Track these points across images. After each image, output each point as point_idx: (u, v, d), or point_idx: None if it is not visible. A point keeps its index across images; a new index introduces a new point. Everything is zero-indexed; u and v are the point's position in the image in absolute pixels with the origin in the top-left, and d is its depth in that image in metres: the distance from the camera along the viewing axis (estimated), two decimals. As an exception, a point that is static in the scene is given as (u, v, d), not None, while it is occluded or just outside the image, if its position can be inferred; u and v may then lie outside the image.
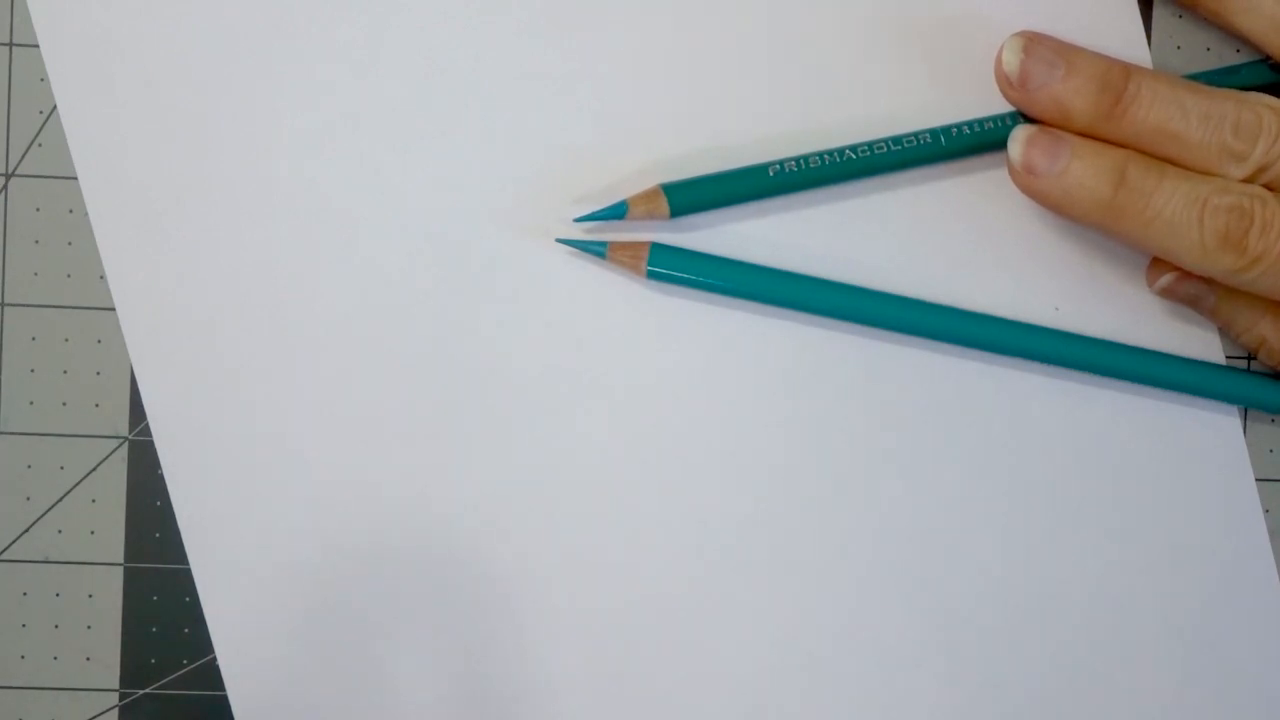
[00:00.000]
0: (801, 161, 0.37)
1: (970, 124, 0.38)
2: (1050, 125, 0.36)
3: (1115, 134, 0.36)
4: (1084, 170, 0.35)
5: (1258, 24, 0.37)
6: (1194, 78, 0.37)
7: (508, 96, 0.38)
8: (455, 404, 0.38)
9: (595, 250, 0.38)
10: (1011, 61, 0.36)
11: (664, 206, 0.37)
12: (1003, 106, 0.38)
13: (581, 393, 0.39)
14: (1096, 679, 0.39)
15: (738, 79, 0.39)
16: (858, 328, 0.38)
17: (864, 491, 0.39)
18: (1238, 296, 0.37)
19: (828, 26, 0.39)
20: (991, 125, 0.38)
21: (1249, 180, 0.35)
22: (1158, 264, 0.37)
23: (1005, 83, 0.37)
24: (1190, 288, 0.37)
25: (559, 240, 0.38)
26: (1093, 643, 0.39)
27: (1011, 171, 0.36)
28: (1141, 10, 0.39)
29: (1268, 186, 0.35)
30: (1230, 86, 0.37)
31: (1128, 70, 0.36)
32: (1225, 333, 0.38)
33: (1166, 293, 0.37)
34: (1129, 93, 0.35)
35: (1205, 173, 0.35)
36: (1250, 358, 0.39)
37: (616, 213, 0.37)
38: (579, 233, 0.38)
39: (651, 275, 0.38)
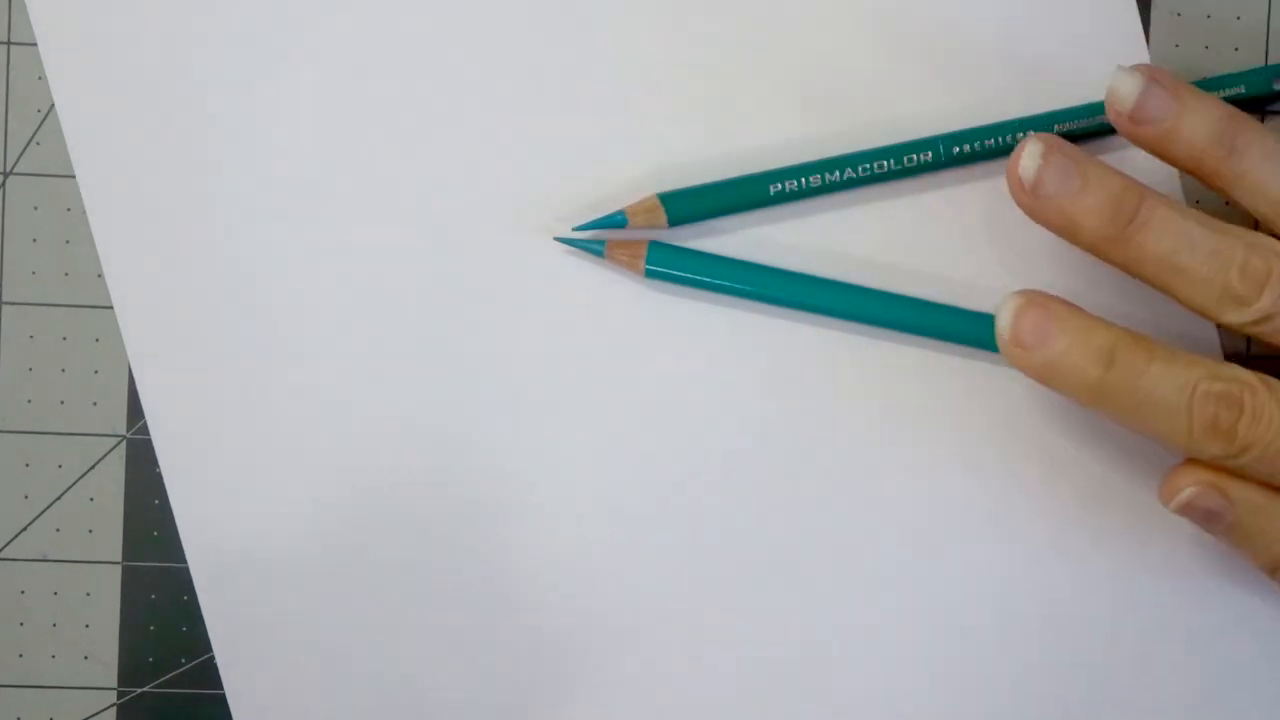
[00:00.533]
0: (802, 180, 0.37)
1: (971, 135, 0.38)
2: (1053, 233, 0.35)
3: (1118, 256, 0.35)
4: (1072, 349, 0.34)
5: (1263, 207, 0.35)
6: (1199, 84, 0.37)
7: (508, 96, 0.38)
8: (453, 403, 0.38)
9: (593, 249, 0.38)
10: (1029, 168, 0.34)
11: (662, 217, 0.37)
12: (1004, 111, 0.38)
13: (580, 392, 0.39)
14: (1095, 679, 0.39)
15: (739, 81, 0.39)
16: (857, 327, 0.38)
17: (863, 491, 0.39)
18: (1260, 514, 0.35)
19: (828, 29, 0.39)
20: (992, 142, 0.38)
21: (1248, 326, 0.34)
22: (1174, 479, 0.36)
23: (1018, 185, 0.35)
24: (1209, 500, 0.35)
25: (557, 239, 0.38)
26: (1091, 642, 0.39)
27: (1000, 341, 0.35)
28: (1140, 9, 0.39)
29: (1268, 338, 0.34)
30: (1234, 91, 0.37)
31: (1142, 194, 0.34)
32: (1242, 555, 0.36)
33: (1185, 509, 0.35)
34: (1140, 218, 0.34)
35: (1203, 311, 0.34)
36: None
37: (615, 222, 0.37)
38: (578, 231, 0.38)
39: (650, 274, 0.38)
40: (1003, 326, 0.35)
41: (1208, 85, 0.38)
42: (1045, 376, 0.35)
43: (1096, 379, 0.34)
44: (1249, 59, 0.39)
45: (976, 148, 0.38)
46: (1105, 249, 0.35)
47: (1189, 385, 0.34)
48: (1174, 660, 0.39)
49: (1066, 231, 0.35)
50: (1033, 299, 0.35)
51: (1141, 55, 0.39)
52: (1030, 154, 0.34)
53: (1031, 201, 0.35)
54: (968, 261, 0.39)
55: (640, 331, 0.39)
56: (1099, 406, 0.34)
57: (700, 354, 0.39)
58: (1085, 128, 0.38)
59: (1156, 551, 0.39)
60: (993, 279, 0.39)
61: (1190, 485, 0.35)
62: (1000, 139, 0.38)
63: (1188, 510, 0.35)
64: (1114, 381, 0.34)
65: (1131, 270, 0.35)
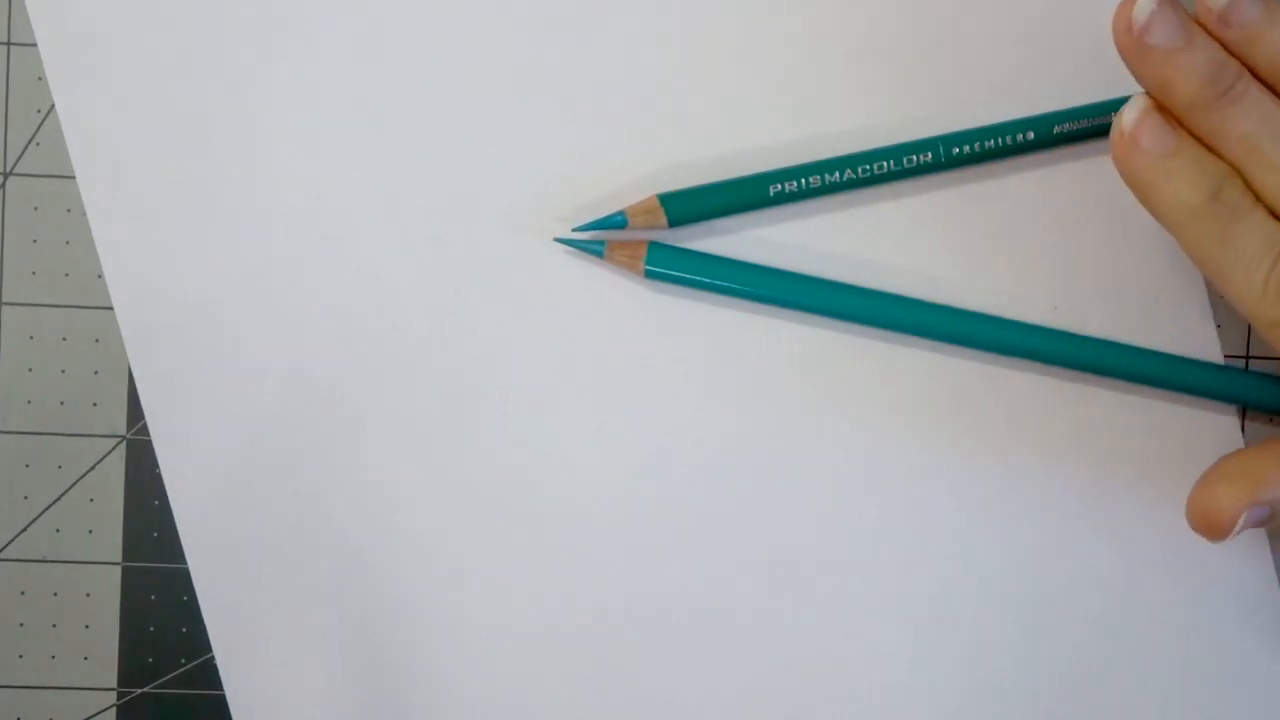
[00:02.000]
0: (802, 181, 0.37)
1: (970, 136, 0.38)
2: (1145, 85, 0.35)
3: (1202, 125, 0.35)
4: (1185, 167, 0.34)
5: None
6: None
7: (508, 96, 0.38)
8: (453, 403, 0.38)
9: (593, 250, 0.38)
10: (1144, 9, 0.34)
11: (661, 218, 0.37)
12: (1003, 111, 0.38)
13: (580, 392, 0.39)
14: (1094, 679, 0.39)
15: (740, 83, 0.39)
16: (857, 327, 0.38)
17: (862, 491, 0.39)
18: None
19: (828, 31, 0.39)
20: (992, 143, 0.38)
21: None
22: (1210, 508, 0.36)
23: (1124, 28, 0.35)
24: (1256, 517, 0.35)
25: (557, 240, 0.38)
26: (1090, 642, 0.39)
27: (1116, 137, 0.35)
28: (1140, 9, 0.39)
29: None
30: None
31: (1240, 70, 0.34)
32: None
33: (1239, 534, 0.36)
34: (1234, 92, 0.34)
35: (1269, 198, 0.34)
36: (1248, 356, 0.39)
37: (615, 222, 0.37)
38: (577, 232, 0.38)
39: (650, 275, 0.38)
40: (1127, 121, 0.35)
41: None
42: (1146, 185, 0.35)
43: (1196, 204, 0.34)
44: (1248, 59, 0.39)
45: (976, 149, 0.38)
46: (1193, 113, 0.34)
47: (1278, 244, 0.34)
48: (1173, 657, 0.39)
49: (1160, 86, 0.35)
50: (1161, 107, 0.35)
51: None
52: None
53: (1135, 48, 0.34)
54: (967, 262, 0.39)
55: (640, 331, 0.39)
56: (1184, 233, 0.35)
57: (700, 354, 0.39)
58: (1084, 129, 0.38)
59: (1156, 549, 0.39)
60: (992, 278, 0.39)
61: (1234, 513, 0.35)
62: (999, 140, 0.38)
63: (1240, 533, 0.36)
64: (1211, 213, 0.34)
65: (1212, 141, 0.35)
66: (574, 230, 0.38)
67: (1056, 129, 0.38)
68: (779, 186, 0.38)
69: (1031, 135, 0.38)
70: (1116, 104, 0.37)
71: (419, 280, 0.38)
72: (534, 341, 0.38)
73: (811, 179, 0.38)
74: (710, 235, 0.38)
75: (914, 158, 0.38)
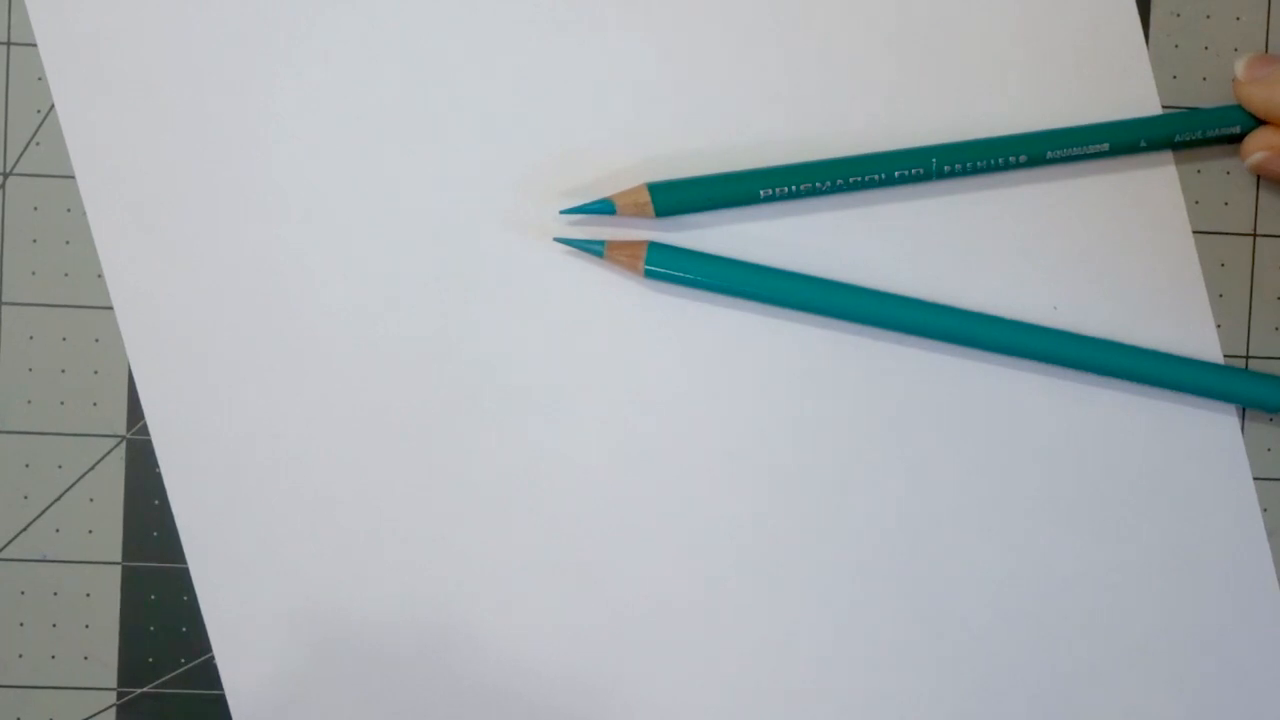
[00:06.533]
0: (792, 187, 0.37)
1: (963, 154, 0.38)
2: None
3: None
4: None
5: None
6: (1185, 114, 0.38)
7: (508, 95, 0.38)
8: (453, 403, 0.38)
9: (593, 249, 0.38)
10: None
11: (649, 206, 0.37)
12: (1002, 108, 0.38)
13: (579, 392, 0.39)
14: (1094, 678, 0.39)
15: (738, 78, 0.39)
16: (857, 327, 0.38)
17: (863, 490, 0.39)
18: None
19: (827, 29, 0.39)
20: (984, 164, 0.38)
21: None
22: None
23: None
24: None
25: (557, 239, 0.38)
26: (1091, 642, 0.39)
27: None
28: (1140, 9, 0.39)
29: None
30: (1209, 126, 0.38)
31: None
32: None
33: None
34: None
35: None
36: (1248, 356, 0.39)
37: (604, 208, 0.37)
38: (577, 231, 0.38)
39: (649, 274, 0.38)
40: (1238, 67, 0.38)
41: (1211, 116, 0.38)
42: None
43: None
44: (1248, 59, 0.39)
45: (968, 167, 0.38)
46: None
47: None
48: (1173, 657, 0.39)
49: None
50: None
51: (1141, 56, 0.39)
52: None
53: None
54: (967, 262, 0.39)
55: (640, 331, 0.39)
56: None
57: (700, 354, 0.39)
58: (1078, 155, 0.38)
59: (1156, 549, 0.39)
60: (991, 277, 0.39)
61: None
62: (992, 160, 0.38)
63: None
64: None
65: None
66: (561, 212, 0.38)
67: (1049, 154, 0.38)
68: (770, 191, 0.37)
69: (1024, 159, 0.38)
70: (1105, 129, 0.38)
71: (418, 280, 0.38)
72: (534, 341, 0.38)
73: (802, 185, 0.37)
74: (710, 234, 0.38)
75: (907, 171, 0.38)
